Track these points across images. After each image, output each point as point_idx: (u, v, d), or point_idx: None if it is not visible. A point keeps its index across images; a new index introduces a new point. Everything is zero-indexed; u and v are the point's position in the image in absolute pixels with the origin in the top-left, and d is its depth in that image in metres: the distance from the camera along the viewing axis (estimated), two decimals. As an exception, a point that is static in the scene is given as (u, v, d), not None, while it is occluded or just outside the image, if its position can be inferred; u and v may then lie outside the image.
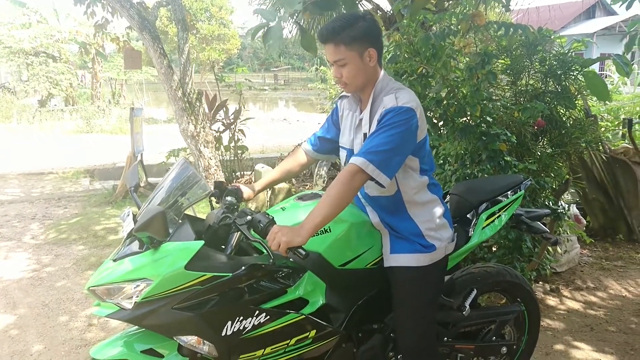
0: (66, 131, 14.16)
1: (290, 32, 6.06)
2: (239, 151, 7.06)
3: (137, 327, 1.82)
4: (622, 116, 6.74)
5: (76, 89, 19.56)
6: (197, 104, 5.93)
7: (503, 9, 5.44)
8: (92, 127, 14.41)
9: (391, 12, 5.13)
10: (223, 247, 1.85)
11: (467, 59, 3.61)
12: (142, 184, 1.98)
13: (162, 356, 1.78)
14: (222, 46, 27.64)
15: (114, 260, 1.74)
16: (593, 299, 3.75)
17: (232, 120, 6.96)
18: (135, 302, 1.66)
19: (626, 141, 5.51)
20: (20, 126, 15.00)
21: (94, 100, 18.68)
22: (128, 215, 1.87)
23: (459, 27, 3.58)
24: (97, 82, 19.07)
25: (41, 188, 7.65)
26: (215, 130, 6.71)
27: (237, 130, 6.99)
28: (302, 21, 4.10)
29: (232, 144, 6.99)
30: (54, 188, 7.65)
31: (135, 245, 1.76)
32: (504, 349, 2.37)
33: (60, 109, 17.64)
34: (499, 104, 3.69)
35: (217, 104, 6.91)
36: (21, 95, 18.50)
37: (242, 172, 7.13)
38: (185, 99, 5.76)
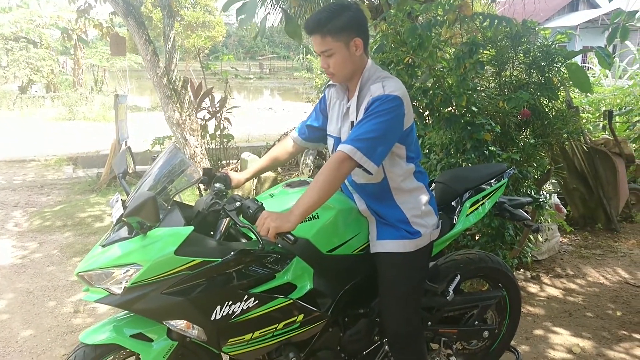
0: (48, 118, 13.94)
1: (275, 20, 6.03)
2: (225, 139, 7.03)
3: (126, 311, 1.83)
4: (603, 108, 6.88)
5: (58, 75, 19.19)
6: (183, 91, 5.88)
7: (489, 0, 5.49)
8: (75, 114, 14.21)
9: (378, 1, 5.14)
10: (212, 233, 1.87)
11: (454, 49, 3.65)
12: (130, 171, 1.97)
13: (152, 340, 1.80)
14: (207, 33, 27.28)
15: (103, 246, 1.75)
16: (572, 285, 3.85)
17: (217, 109, 6.92)
18: (125, 287, 1.67)
19: (606, 132, 5.63)
20: (0, 113, 14.72)
21: (76, 87, 18.37)
22: (117, 201, 1.87)
23: (446, 17, 3.61)
24: (79, 68, 18.75)
25: (23, 175, 7.55)
26: (200, 119, 6.67)
27: (222, 119, 6.96)
28: (289, 8, 4.10)
29: (218, 133, 6.96)
30: (36, 175, 7.56)
31: (124, 231, 1.77)
32: (486, 333, 2.43)
33: (42, 95, 17.33)
34: (483, 94, 3.74)
35: (202, 92, 6.86)
36: (1, 81, 18.12)
37: (227, 161, 7.12)
38: (171, 87, 5.71)
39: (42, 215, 5.49)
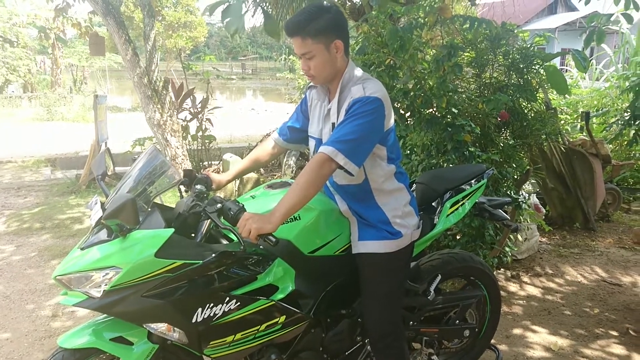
0: (25, 119, 13.69)
1: (254, 17, 6.01)
2: (207, 140, 7.00)
3: (105, 315, 1.81)
4: (581, 109, 7.00)
5: (35, 75, 18.88)
6: (164, 92, 5.84)
7: (469, 2, 5.55)
8: (53, 114, 13.96)
9: (360, 3, 5.16)
10: (193, 235, 1.86)
11: (434, 51, 3.68)
12: (109, 173, 1.95)
13: (132, 344, 1.78)
14: (189, 34, 27.06)
15: (82, 249, 1.72)
16: (551, 284, 3.91)
17: (199, 109, 6.88)
18: (104, 290, 1.65)
19: (584, 134, 5.73)
20: (-24, 113, 14.42)
21: (54, 87, 18.07)
22: (96, 203, 1.85)
23: (426, 19, 3.64)
24: (58, 68, 18.45)
25: None
26: (182, 119, 6.63)
27: (204, 120, 6.93)
28: (268, 6, 4.09)
29: (200, 133, 6.92)
30: (13, 177, 7.41)
31: (103, 234, 1.75)
32: (467, 332, 2.46)
33: (19, 95, 17.01)
34: (464, 96, 3.78)
35: (184, 93, 6.82)
36: (-24, 81, 17.75)
37: (209, 162, 7.08)
38: (152, 87, 5.67)
39: (20, 217, 5.39)
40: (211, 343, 1.81)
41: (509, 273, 4.02)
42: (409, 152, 3.86)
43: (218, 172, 4.42)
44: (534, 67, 3.79)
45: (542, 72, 3.82)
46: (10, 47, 17.24)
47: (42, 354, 2.90)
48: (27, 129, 12.02)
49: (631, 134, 5.95)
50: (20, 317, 3.34)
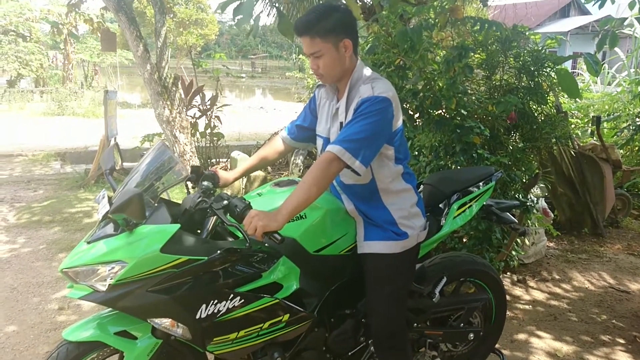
0: (36, 113, 13.80)
1: (268, 16, 6.03)
2: (215, 138, 7.02)
3: (110, 309, 1.82)
4: (592, 114, 6.94)
5: (47, 70, 19.01)
6: (173, 88, 5.85)
7: (481, 3, 5.51)
8: (64, 109, 14.06)
9: (371, 3, 5.15)
10: (199, 231, 1.86)
11: (444, 52, 3.67)
12: (117, 167, 1.97)
13: (136, 338, 1.80)
14: (200, 31, 27.18)
15: (88, 243, 1.73)
16: (557, 290, 3.88)
17: (208, 107, 6.90)
18: (110, 284, 1.66)
19: (594, 138, 5.68)
20: (-12, 106, 14.56)
21: (65, 82, 18.20)
22: (103, 197, 1.85)
23: (437, 20, 3.62)
24: (69, 63, 18.57)
25: (10, 170, 7.46)
26: (191, 116, 6.65)
27: (213, 117, 6.95)
28: (282, 6, 4.10)
29: (208, 131, 6.94)
30: (23, 171, 7.48)
31: (110, 228, 1.76)
32: (471, 335, 2.44)
33: (30, 90, 17.15)
34: (473, 97, 3.76)
35: (193, 90, 6.84)
36: (-11, 74, 17.93)
37: (217, 159, 7.10)
38: (161, 83, 5.69)
39: (29, 210, 5.43)
40: (214, 340, 1.82)
41: (515, 277, 4.00)
42: (417, 153, 3.85)
43: (226, 170, 4.43)
44: (545, 69, 3.76)
45: (553, 75, 3.78)
46: (23, 42, 17.37)
47: (47, 347, 2.92)
48: (38, 123, 12.12)
49: (642, 140, 5.90)
50: (27, 309, 3.36)
